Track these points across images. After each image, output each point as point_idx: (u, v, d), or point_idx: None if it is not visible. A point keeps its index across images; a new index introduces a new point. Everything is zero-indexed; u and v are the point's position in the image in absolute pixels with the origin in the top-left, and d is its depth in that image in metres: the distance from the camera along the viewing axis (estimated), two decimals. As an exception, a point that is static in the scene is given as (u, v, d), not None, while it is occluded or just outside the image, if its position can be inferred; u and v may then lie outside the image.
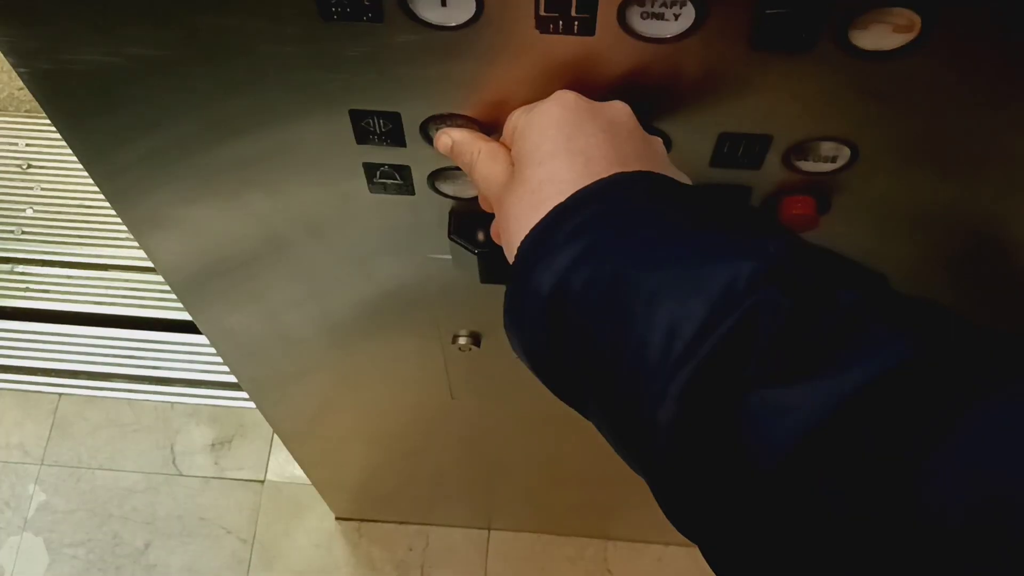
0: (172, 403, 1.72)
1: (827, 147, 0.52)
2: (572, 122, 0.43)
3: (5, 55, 0.49)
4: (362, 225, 0.65)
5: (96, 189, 0.61)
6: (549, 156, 0.42)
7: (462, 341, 0.81)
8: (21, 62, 0.49)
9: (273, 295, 0.77)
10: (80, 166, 0.59)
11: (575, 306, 0.38)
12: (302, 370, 0.94)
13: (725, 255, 0.35)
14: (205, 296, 0.77)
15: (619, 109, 0.45)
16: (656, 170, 0.43)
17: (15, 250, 1.85)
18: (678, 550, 1.59)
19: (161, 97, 0.52)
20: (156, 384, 1.73)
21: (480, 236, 0.61)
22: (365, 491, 1.50)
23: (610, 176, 0.41)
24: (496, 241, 0.50)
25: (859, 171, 0.53)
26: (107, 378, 1.74)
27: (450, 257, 0.67)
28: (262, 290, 0.76)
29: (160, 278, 0.75)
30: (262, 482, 1.65)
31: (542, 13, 0.44)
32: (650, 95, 0.48)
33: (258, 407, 1.05)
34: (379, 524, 1.62)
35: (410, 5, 0.44)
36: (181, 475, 1.66)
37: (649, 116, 0.49)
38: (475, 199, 0.59)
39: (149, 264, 0.77)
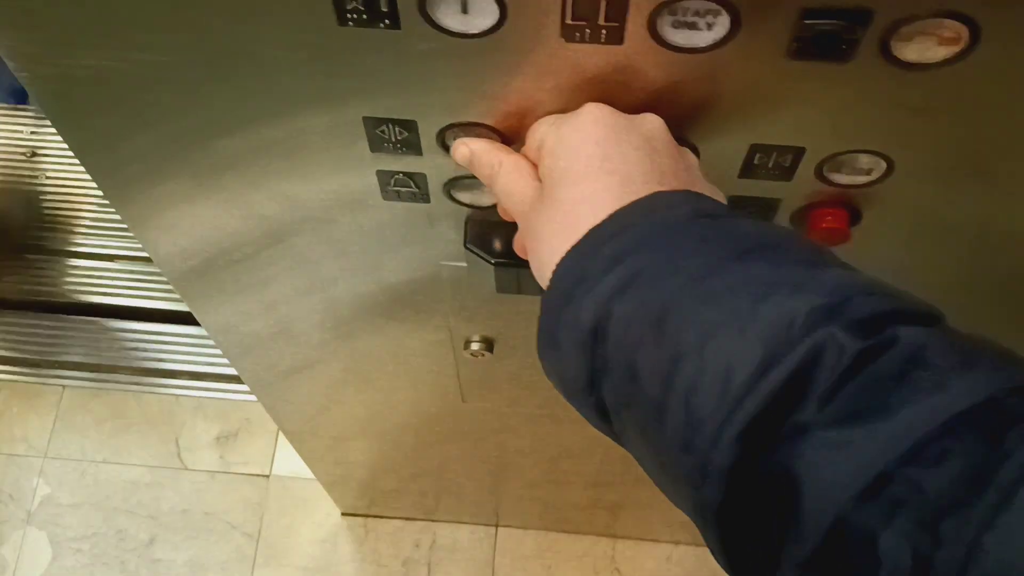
0: (177, 396, 1.70)
1: (863, 160, 0.49)
2: (607, 139, 0.41)
3: (5, 59, 0.47)
4: (374, 231, 0.63)
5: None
6: (583, 176, 0.40)
7: (475, 347, 0.79)
8: (21, 66, 0.47)
9: (281, 298, 0.75)
10: (87, 155, 0.56)
11: (619, 338, 0.36)
12: (308, 369, 0.93)
13: (781, 289, 0.34)
14: (206, 293, 0.75)
15: (653, 123, 0.43)
16: (692, 186, 0.41)
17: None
18: (687, 549, 1.58)
19: (168, 101, 0.50)
20: (161, 377, 1.72)
21: (497, 245, 0.59)
22: (371, 487, 1.48)
23: (648, 196, 0.39)
24: (520, 254, 0.48)
25: (894, 183, 0.51)
26: (112, 370, 1.72)
27: (465, 264, 0.65)
28: (271, 294, 0.74)
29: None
30: (267, 477, 1.64)
31: (568, 21, 0.41)
32: (681, 106, 0.46)
33: (265, 407, 1.04)
34: (385, 520, 1.61)
35: (429, 12, 0.42)
36: (186, 469, 1.64)
37: (679, 128, 0.47)
38: (492, 207, 0.57)
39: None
